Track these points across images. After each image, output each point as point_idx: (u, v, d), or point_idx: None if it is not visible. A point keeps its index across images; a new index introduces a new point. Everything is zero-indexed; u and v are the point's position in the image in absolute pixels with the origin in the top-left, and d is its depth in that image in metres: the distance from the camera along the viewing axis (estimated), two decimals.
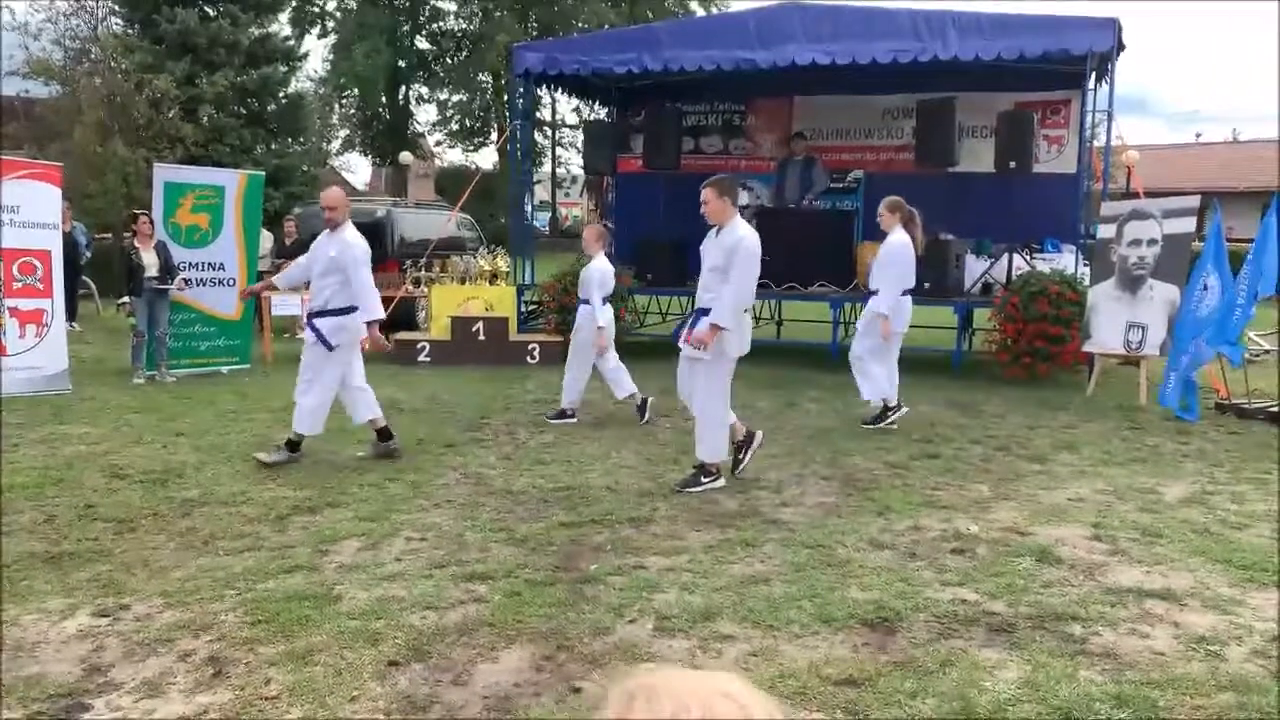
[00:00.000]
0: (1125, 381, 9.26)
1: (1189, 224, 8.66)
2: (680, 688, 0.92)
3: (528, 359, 10.52)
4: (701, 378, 5.59)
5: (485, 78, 34.30)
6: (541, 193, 35.41)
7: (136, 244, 9.34)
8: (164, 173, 10.13)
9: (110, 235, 18.01)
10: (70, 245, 11.67)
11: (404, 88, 35.36)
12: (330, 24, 33.70)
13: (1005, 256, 10.66)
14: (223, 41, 19.99)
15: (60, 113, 17.83)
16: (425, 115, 56.79)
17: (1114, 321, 8.84)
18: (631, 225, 13.05)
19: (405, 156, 22.67)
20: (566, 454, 6.43)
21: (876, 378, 7.32)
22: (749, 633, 3.59)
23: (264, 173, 11.82)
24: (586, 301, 7.43)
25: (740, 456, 5.80)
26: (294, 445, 6.17)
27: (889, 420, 7.31)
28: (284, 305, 11.04)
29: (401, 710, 3.02)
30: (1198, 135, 40.34)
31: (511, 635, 3.55)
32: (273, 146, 21.67)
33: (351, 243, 6.13)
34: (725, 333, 5.43)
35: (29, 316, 8.54)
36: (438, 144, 37.45)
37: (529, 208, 13.06)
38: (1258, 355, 10.71)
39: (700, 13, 33.22)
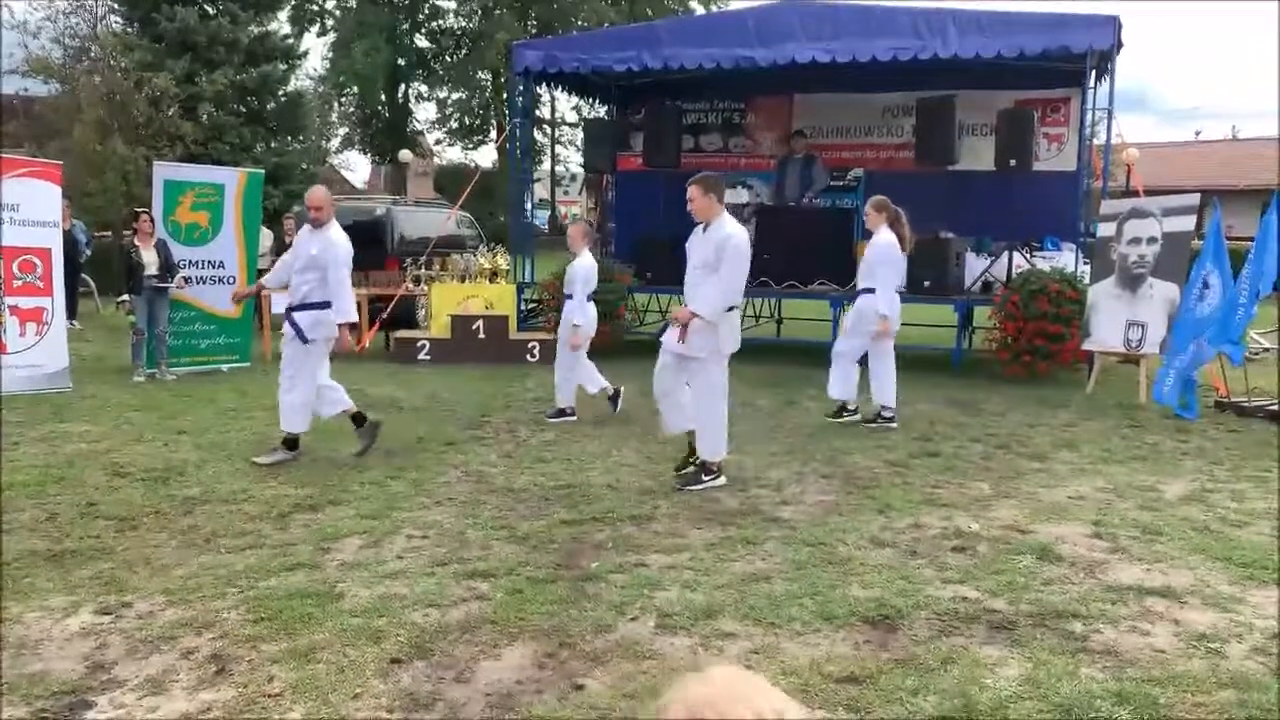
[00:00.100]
0: (1125, 380, 9.27)
1: (1189, 222, 8.66)
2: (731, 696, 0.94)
3: (528, 357, 10.52)
4: (698, 377, 5.59)
5: (485, 76, 34.29)
6: (541, 191, 35.41)
7: (137, 242, 9.35)
8: (164, 170, 10.13)
9: (110, 233, 18.01)
10: (70, 243, 11.66)
11: (403, 86, 35.34)
12: (329, 22, 33.69)
13: (1005, 254, 10.66)
14: (222, 40, 19.98)
15: (60, 111, 17.82)
16: (424, 113, 56.86)
17: (1114, 320, 8.85)
18: (631, 223, 13.05)
19: (405, 154, 22.63)
20: (567, 452, 6.44)
21: (846, 378, 7.44)
22: (750, 630, 3.60)
23: (263, 171, 11.82)
24: (569, 296, 7.50)
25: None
26: (292, 443, 6.18)
27: (844, 419, 7.48)
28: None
29: (404, 708, 3.03)
30: (1197, 133, 40.40)
31: (513, 633, 3.56)
32: (272, 145, 21.67)
33: (335, 241, 6.12)
34: (721, 330, 5.46)
35: (29, 315, 8.54)
36: (437, 143, 37.43)
37: (529, 206, 13.05)
38: (1257, 353, 10.72)
39: (700, 10, 33.23)
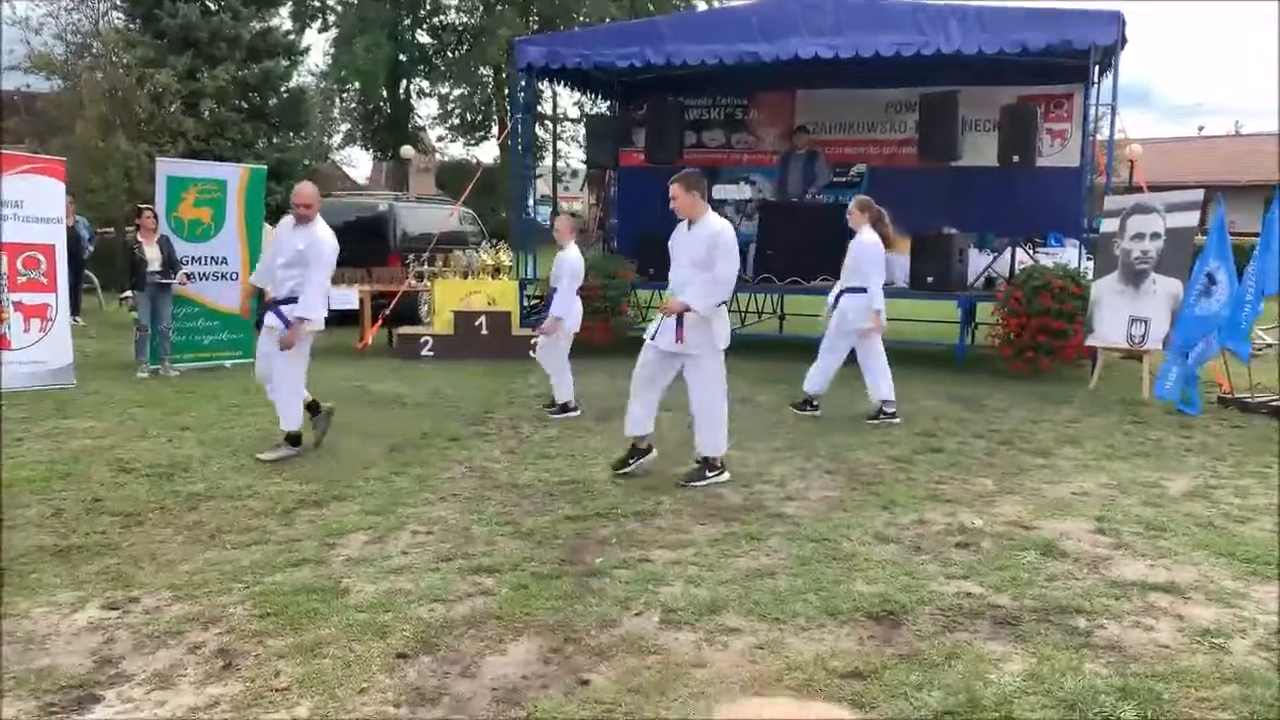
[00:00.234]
0: (1128, 376, 9.27)
1: (1192, 218, 8.66)
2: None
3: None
4: (696, 375, 5.59)
5: (486, 72, 34.23)
6: (543, 187, 35.39)
7: (139, 238, 9.36)
8: (167, 167, 10.14)
9: (112, 229, 18.04)
10: (73, 240, 11.68)
11: (405, 82, 35.29)
12: (331, 18, 33.63)
13: (1008, 251, 10.66)
14: (224, 36, 19.98)
15: (62, 107, 17.83)
16: (426, 109, 56.78)
17: (1117, 315, 8.85)
18: (633, 219, 13.04)
19: (407, 151, 22.63)
20: (570, 448, 6.45)
21: (825, 373, 7.58)
22: (755, 625, 3.61)
23: (266, 167, 11.82)
24: (556, 290, 7.54)
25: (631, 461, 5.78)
26: (295, 439, 6.19)
27: (808, 412, 7.58)
28: None
29: (410, 702, 3.04)
30: (1200, 128, 40.31)
31: (519, 628, 3.57)
32: (274, 141, 21.68)
33: (322, 239, 6.12)
34: (714, 325, 5.49)
35: (33, 311, 8.56)
36: (440, 139, 37.40)
37: (531, 202, 13.06)
38: (1260, 350, 10.72)
39: (702, 6, 33.15)
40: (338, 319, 11.61)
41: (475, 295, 11.07)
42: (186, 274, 9.54)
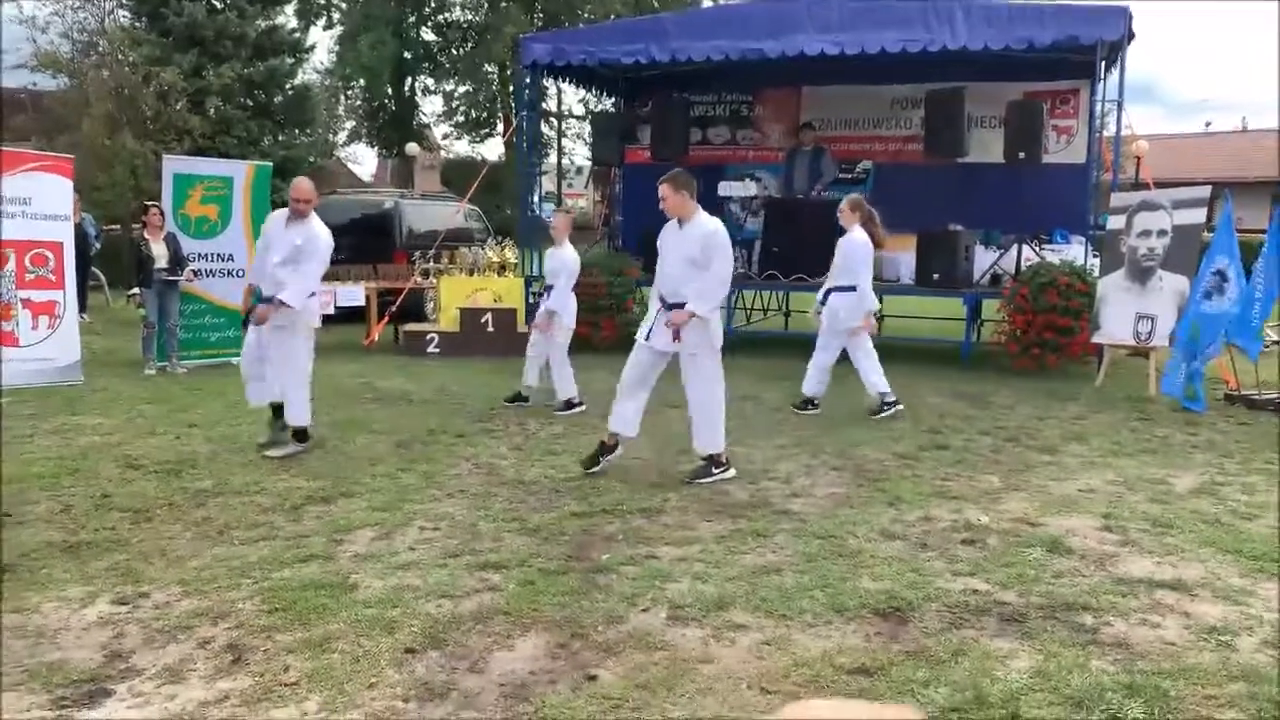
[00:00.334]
0: (1134, 372, 9.26)
1: (1199, 215, 8.64)
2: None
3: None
4: (695, 373, 5.58)
5: (491, 69, 34.23)
6: (547, 183, 35.42)
7: (146, 235, 9.39)
8: (173, 164, 10.17)
9: (119, 227, 18.09)
10: (80, 237, 11.69)
11: (410, 79, 35.31)
12: (335, 15, 33.65)
13: (1014, 247, 10.64)
14: (229, 34, 20.03)
15: (68, 105, 17.91)
16: (431, 106, 56.78)
17: (1123, 312, 8.83)
18: (638, 217, 13.03)
19: (412, 148, 22.66)
20: (576, 444, 6.45)
21: (821, 370, 7.59)
22: (762, 622, 3.61)
23: (271, 164, 11.85)
24: (553, 287, 7.56)
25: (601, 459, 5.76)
26: (301, 435, 6.21)
27: (809, 411, 7.57)
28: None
29: (419, 697, 3.05)
30: (1207, 124, 40.15)
31: (526, 623, 3.58)
32: (280, 138, 21.72)
33: (319, 234, 6.15)
34: (714, 323, 5.51)
35: (41, 308, 8.59)
36: (445, 136, 37.42)
37: (536, 199, 13.06)
38: (1268, 346, 10.69)
39: (707, 2, 33.09)
40: (344, 316, 11.70)
41: (481, 292, 11.09)
42: (194, 271, 9.57)
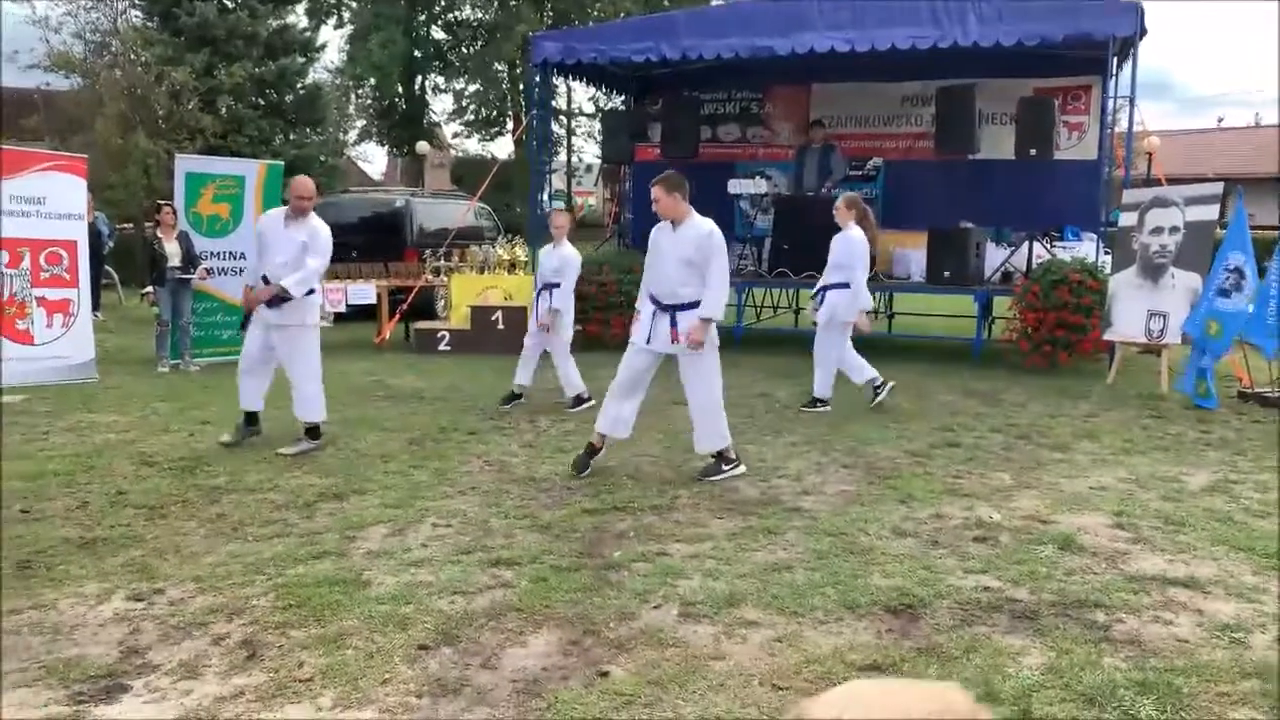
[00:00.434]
0: (1146, 370, 9.23)
1: (1212, 211, 8.60)
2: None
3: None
4: (695, 372, 5.58)
5: (501, 68, 34.27)
6: (557, 181, 35.43)
7: (159, 234, 9.45)
8: (186, 163, 10.23)
9: (131, 226, 18.19)
10: (93, 236, 11.77)
11: (420, 78, 35.39)
12: (346, 14, 33.76)
13: (1025, 244, 10.61)
14: (241, 33, 20.09)
15: (81, 105, 18.01)
16: (441, 105, 56.88)
17: (1135, 310, 8.80)
18: (648, 215, 12.98)
19: (422, 146, 22.73)
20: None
21: (827, 377, 7.60)
22: (773, 619, 3.62)
23: (283, 163, 11.89)
24: (559, 285, 7.57)
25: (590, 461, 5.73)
26: (314, 432, 6.24)
27: (818, 409, 7.56)
28: None
29: (432, 693, 3.07)
30: (1220, 120, 39.89)
31: (539, 620, 3.60)
32: (291, 137, 21.78)
33: (321, 231, 6.18)
34: (713, 322, 5.53)
35: (56, 306, 8.66)
36: (455, 135, 37.49)
37: (545, 197, 13.08)
38: None
39: (717, 0, 33.08)
40: (356, 314, 11.75)
41: (491, 290, 11.12)
42: (206, 269, 9.62)
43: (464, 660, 3.29)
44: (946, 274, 10.39)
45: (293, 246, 6.07)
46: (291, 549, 4.34)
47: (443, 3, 34.80)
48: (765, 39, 10.38)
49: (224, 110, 19.44)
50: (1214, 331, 7.90)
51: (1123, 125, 10.49)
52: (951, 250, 10.41)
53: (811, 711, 0.92)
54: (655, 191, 5.49)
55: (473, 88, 35.73)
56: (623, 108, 14.59)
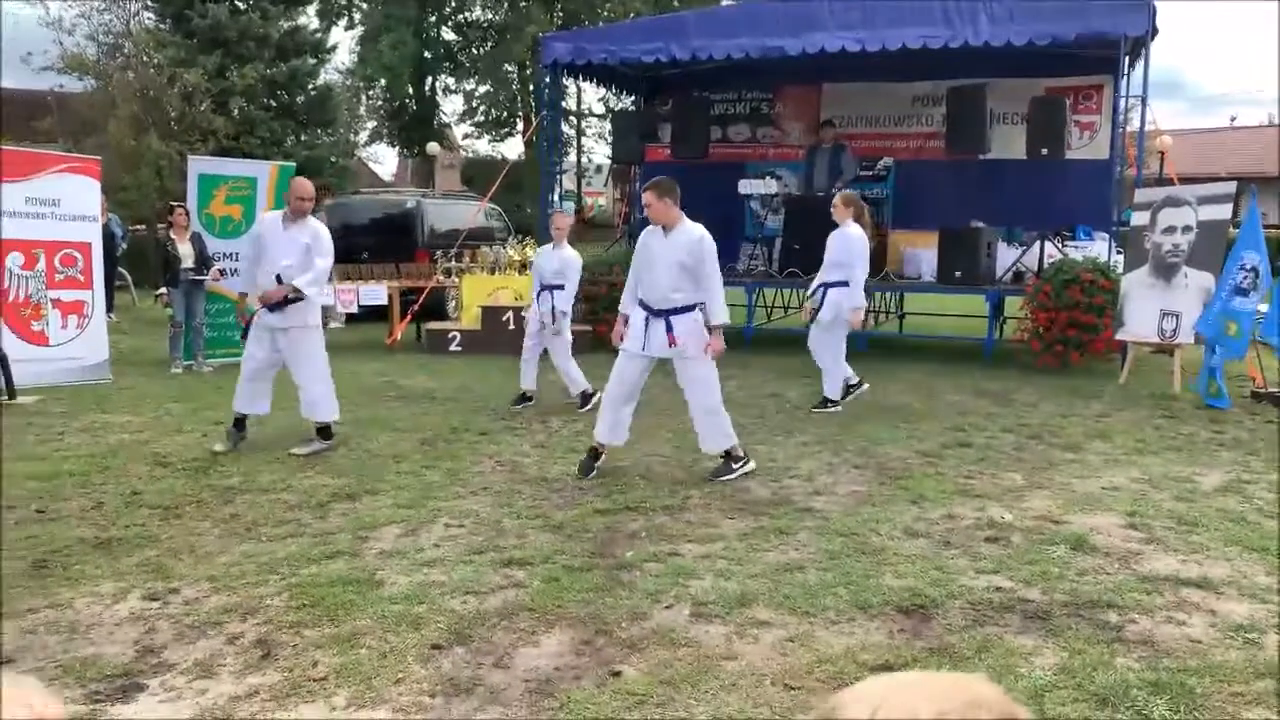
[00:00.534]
0: (1159, 370, 9.19)
1: (1225, 210, 8.56)
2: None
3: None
4: (692, 377, 5.59)
5: (511, 68, 34.33)
6: (567, 182, 35.44)
7: (172, 235, 9.50)
8: (199, 164, 10.29)
9: (144, 227, 18.29)
10: (106, 237, 11.84)
11: (430, 79, 35.48)
12: (357, 15, 33.86)
13: (1037, 244, 10.58)
14: (252, 35, 20.18)
15: (95, 107, 18.10)
16: (452, 106, 57.00)
17: (1148, 309, 8.76)
18: None
19: (433, 147, 22.82)
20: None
21: (837, 375, 7.59)
22: (785, 619, 3.63)
23: (294, 164, 11.95)
24: (560, 287, 7.61)
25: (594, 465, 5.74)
26: (325, 432, 6.27)
27: (829, 409, 7.54)
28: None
29: (445, 692, 3.09)
30: (1233, 119, 39.67)
31: (551, 620, 3.61)
32: (302, 138, 21.88)
33: (323, 231, 6.26)
34: (701, 323, 5.57)
35: (71, 307, 8.72)
36: (465, 136, 37.56)
37: (556, 198, 13.10)
38: None
39: (727, 0, 33.06)
40: (367, 314, 11.79)
41: (502, 291, 11.14)
42: (220, 270, 9.67)
43: (477, 660, 3.31)
44: (958, 274, 10.37)
45: (297, 248, 6.10)
46: (305, 549, 4.37)
47: (453, 4, 34.88)
48: (775, 39, 10.38)
49: (236, 112, 19.53)
50: (1233, 332, 7.86)
51: (1135, 124, 10.44)
52: (963, 250, 10.39)
53: (845, 709, 0.90)
54: (647, 197, 5.52)
55: (483, 88, 35.81)
56: (633, 108, 14.60)
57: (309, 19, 25.56)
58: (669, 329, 5.50)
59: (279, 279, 6.10)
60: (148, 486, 5.36)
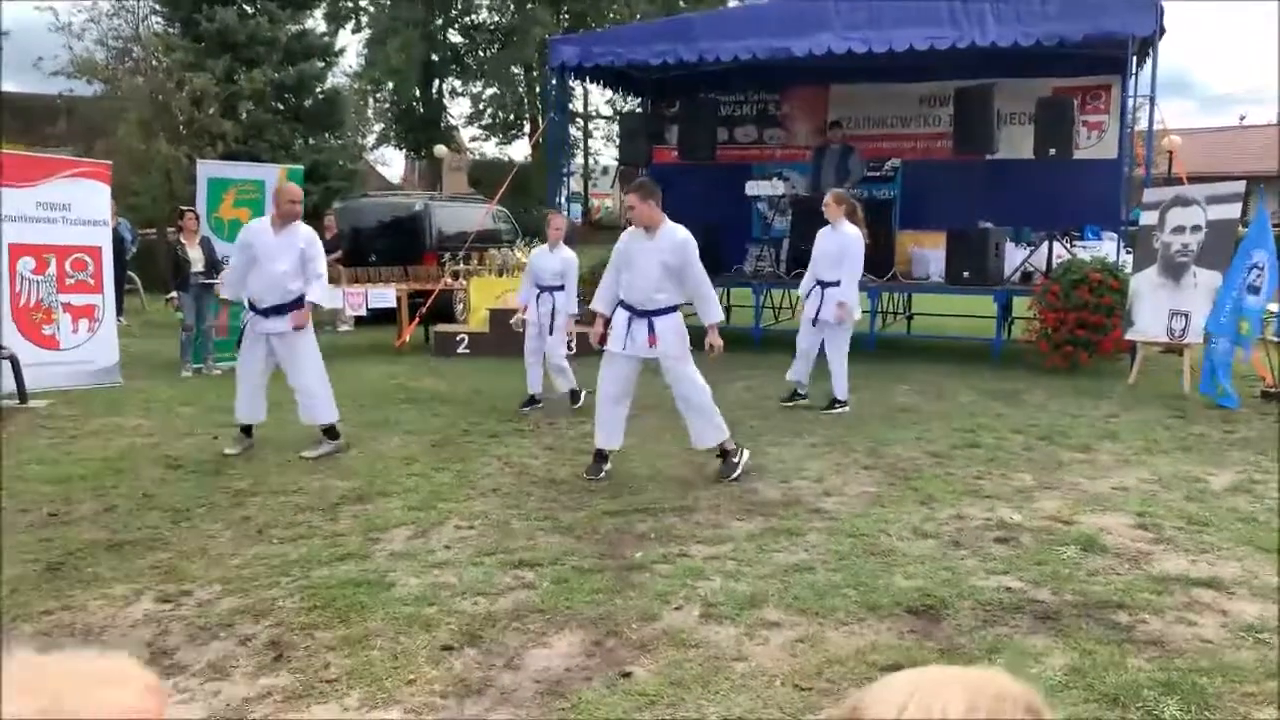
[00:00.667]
0: (1168, 370, 9.16)
1: (1234, 210, 8.54)
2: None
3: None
4: (677, 376, 5.61)
5: (518, 71, 34.38)
6: (574, 184, 35.50)
7: (182, 239, 9.55)
8: (207, 168, 10.34)
9: (154, 231, 18.35)
10: (116, 241, 11.89)
11: (437, 81, 35.54)
12: (364, 19, 33.95)
13: (1045, 244, 10.57)
14: (261, 38, 20.23)
15: (104, 111, 18.18)
16: (459, 109, 57.07)
17: (1157, 309, 8.74)
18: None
19: (440, 150, 22.81)
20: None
21: (839, 366, 7.57)
22: (795, 620, 3.63)
23: (302, 167, 11.99)
24: (560, 288, 7.67)
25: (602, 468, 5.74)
26: (331, 433, 6.29)
27: (835, 410, 7.54)
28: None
29: (456, 693, 3.10)
30: (1241, 118, 39.51)
31: (561, 621, 3.62)
32: (310, 141, 21.91)
33: (314, 236, 6.30)
34: (682, 323, 5.64)
35: (81, 311, 8.76)
36: (473, 139, 37.60)
37: (563, 200, 13.12)
38: None
39: (734, 2, 33.06)
40: (376, 317, 11.81)
41: (510, 293, 11.13)
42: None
43: (487, 661, 3.32)
44: (966, 274, 10.36)
45: (293, 253, 6.13)
46: (316, 551, 4.39)
47: (460, 6, 34.93)
48: (782, 40, 10.39)
49: (244, 115, 19.58)
50: (1245, 330, 7.84)
51: (1143, 124, 10.43)
52: (970, 250, 10.38)
53: (868, 710, 0.87)
54: (631, 199, 5.56)
55: (490, 91, 35.84)
56: (640, 110, 14.61)
57: (317, 22, 25.65)
58: (650, 330, 5.53)
59: (258, 309, 6.15)
60: (159, 489, 5.39)
